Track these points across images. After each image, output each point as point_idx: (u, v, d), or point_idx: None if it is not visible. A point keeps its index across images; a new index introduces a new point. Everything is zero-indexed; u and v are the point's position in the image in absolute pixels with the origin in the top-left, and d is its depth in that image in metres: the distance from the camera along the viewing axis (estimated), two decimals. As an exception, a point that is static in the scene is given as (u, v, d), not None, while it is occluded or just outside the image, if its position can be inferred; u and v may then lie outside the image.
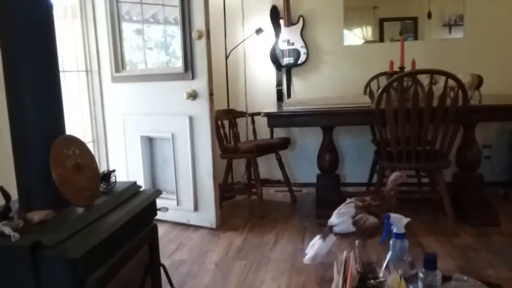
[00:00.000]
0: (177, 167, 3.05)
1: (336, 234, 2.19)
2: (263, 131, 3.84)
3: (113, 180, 1.66)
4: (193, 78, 2.86)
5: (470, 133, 3.04)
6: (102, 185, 1.63)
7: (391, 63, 3.21)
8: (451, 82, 2.54)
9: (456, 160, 3.10)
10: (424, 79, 3.06)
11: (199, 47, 2.82)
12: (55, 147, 1.39)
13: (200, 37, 2.79)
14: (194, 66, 2.85)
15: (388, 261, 1.24)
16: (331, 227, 2.20)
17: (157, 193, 1.76)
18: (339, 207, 2.28)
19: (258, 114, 3.21)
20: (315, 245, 2.23)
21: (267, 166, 4.03)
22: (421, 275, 1.06)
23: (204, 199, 2.99)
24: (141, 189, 1.76)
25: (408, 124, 2.61)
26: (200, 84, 2.85)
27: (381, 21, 3.88)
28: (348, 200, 2.28)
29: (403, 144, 2.66)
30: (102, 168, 3.28)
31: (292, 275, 2.29)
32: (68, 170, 1.42)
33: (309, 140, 3.93)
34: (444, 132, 2.65)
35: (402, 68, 3.17)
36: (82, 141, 1.55)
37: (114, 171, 1.67)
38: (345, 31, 3.87)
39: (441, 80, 2.68)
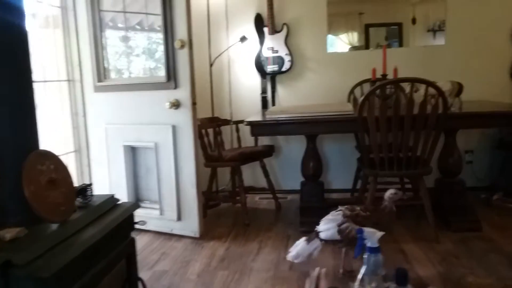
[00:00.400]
0: (160, 176, 3.04)
1: (321, 240, 2.22)
2: (248, 139, 3.84)
3: (90, 194, 1.65)
4: (176, 87, 2.85)
5: (451, 139, 3.07)
6: (78, 199, 1.62)
7: (374, 71, 3.23)
8: (432, 89, 2.56)
9: (438, 166, 3.13)
10: (407, 86, 3.09)
11: (182, 56, 2.81)
12: (27, 163, 1.38)
13: (182, 46, 2.79)
14: (177, 76, 2.84)
15: (362, 275, 1.24)
16: (317, 232, 2.22)
17: (135, 206, 1.75)
18: (329, 214, 2.31)
19: (243, 122, 3.21)
20: (298, 246, 2.27)
21: (252, 174, 4.04)
22: (391, 290, 1.06)
23: (187, 208, 2.98)
24: (119, 202, 1.74)
25: (390, 132, 2.63)
26: (183, 93, 2.84)
27: (367, 27, 3.91)
28: (339, 208, 2.31)
29: (385, 151, 2.68)
30: (84, 178, 3.25)
31: (275, 285, 2.28)
32: (41, 186, 1.40)
33: (294, 147, 3.94)
34: (425, 139, 2.67)
35: (384, 75, 3.20)
36: (57, 155, 1.53)
37: (90, 185, 1.66)
38: (331, 37, 3.91)
39: (423, 87, 2.71)
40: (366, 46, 3.90)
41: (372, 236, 1.27)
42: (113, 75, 3.24)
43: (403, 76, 3.11)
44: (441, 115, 2.58)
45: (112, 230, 1.54)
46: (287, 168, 4.00)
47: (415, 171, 2.72)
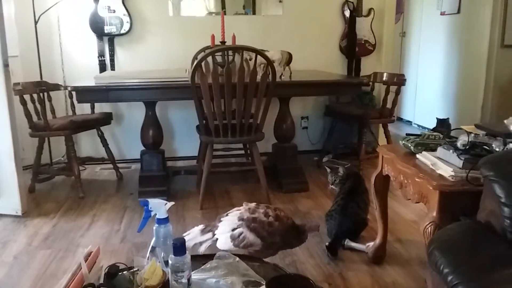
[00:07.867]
0: (-31, 149, 2.63)
1: (215, 238, 1.74)
2: (86, 106, 3.55)
3: None
4: (-19, 45, 2.46)
5: (285, 107, 3.24)
6: None
7: (213, 37, 3.22)
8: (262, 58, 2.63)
9: (274, 132, 3.30)
10: (246, 55, 3.15)
11: (-14, 9, 2.42)
12: None
13: (-14, -3, 2.39)
14: (-19, 32, 2.44)
15: (152, 246, 1.22)
16: (215, 226, 1.77)
17: None
18: (230, 211, 1.83)
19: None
20: (191, 234, 1.77)
21: (92, 143, 3.78)
22: (170, 261, 1.06)
23: (5, 185, 2.65)
24: None
25: (223, 99, 2.66)
26: (-10, 53, 2.46)
27: (222, -7, 3.85)
28: (243, 207, 1.81)
29: (219, 119, 2.71)
30: None
31: (101, 260, 2.17)
32: None
33: (137, 115, 3.75)
34: (257, 106, 2.76)
35: (223, 42, 3.22)
36: None
37: None
38: (188, 0, 3.77)
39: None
40: (225, 13, 3.83)
41: (160, 207, 1.25)
42: None
43: (243, 43, 3.15)
44: (270, 83, 2.68)
45: None
46: (130, 136, 3.82)
47: (247, 138, 2.81)
